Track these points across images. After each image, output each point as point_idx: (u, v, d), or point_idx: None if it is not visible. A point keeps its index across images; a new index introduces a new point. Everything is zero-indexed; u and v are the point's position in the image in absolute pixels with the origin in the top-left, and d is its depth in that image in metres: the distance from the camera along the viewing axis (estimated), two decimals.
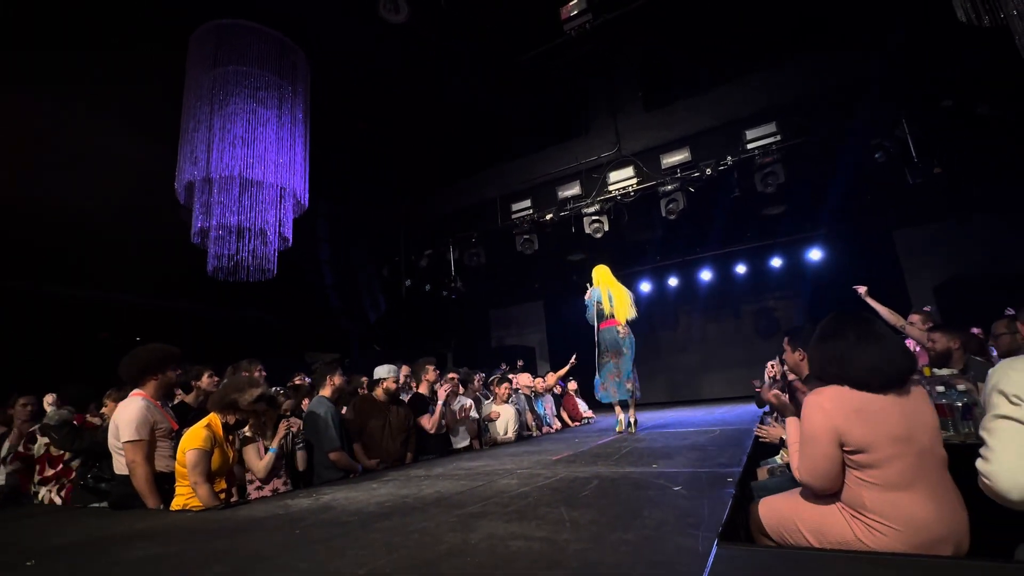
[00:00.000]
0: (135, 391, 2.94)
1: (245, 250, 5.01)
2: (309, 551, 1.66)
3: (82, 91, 5.56)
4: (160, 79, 5.35)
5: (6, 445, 3.95)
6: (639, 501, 1.99)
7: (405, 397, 4.73)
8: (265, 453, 3.10)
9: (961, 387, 2.47)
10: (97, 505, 3.11)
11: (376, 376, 4.25)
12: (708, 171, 6.73)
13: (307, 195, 5.60)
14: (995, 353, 3.50)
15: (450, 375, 4.87)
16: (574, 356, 6.89)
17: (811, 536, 1.67)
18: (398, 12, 5.68)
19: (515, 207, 8.18)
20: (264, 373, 3.95)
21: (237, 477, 2.99)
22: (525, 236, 8.02)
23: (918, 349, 4.02)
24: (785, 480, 2.20)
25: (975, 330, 3.89)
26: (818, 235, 9.73)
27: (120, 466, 2.85)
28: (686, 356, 12.19)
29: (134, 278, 7.49)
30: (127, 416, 2.77)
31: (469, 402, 5.00)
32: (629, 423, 4.89)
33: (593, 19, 5.82)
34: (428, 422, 4.45)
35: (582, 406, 7.68)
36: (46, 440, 3.57)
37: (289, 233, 5.41)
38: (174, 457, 2.73)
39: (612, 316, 4.86)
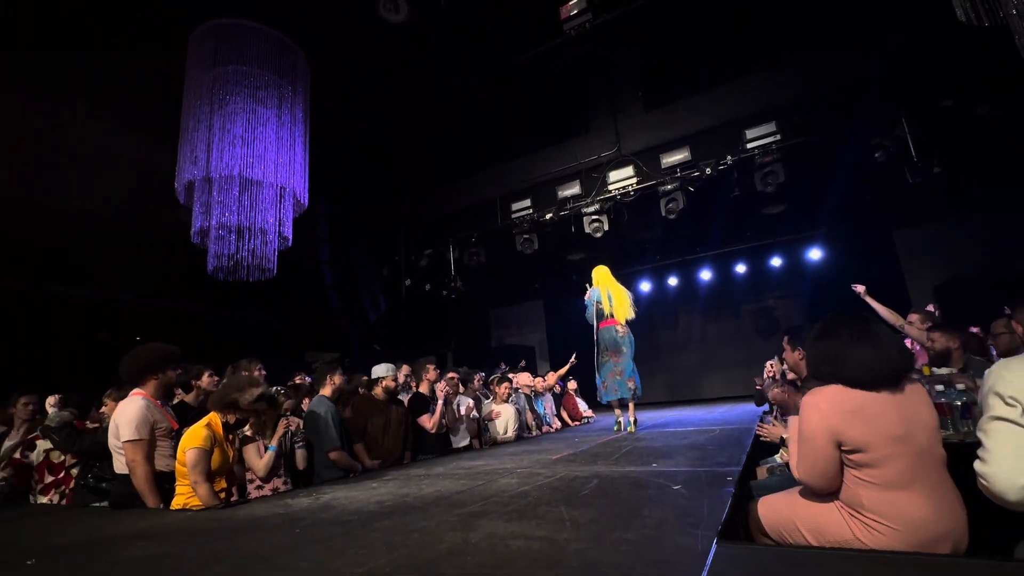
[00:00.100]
0: (135, 390, 2.94)
1: (245, 249, 5.01)
2: (309, 550, 1.66)
3: (82, 91, 5.55)
4: (160, 79, 5.35)
5: (4, 447, 3.93)
6: (639, 500, 1.99)
7: (405, 396, 4.74)
8: (265, 452, 3.10)
9: (960, 386, 2.47)
10: (97, 504, 3.12)
11: (374, 375, 4.25)
12: (708, 170, 6.73)
13: (307, 194, 5.60)
14: (995, 352, 3.51)
15: (450, 374, 4.88)
16: (574, 355, 6.90)
17: (810, 535, 1.67)
18: (398, 11, 5.68)
19: (515, 207, 8.18)
20: (264, 372, 3.95)
21: (237, 476, 3.00)
22: (525, 236, 8.02)
23: (918, 348, 4.03)
24: (785, 479, 2.20)
25: (974, 329, 3.89)
26: (818, 235, 9.73)
27: (120, 465, 2.85)
28: (686, 355, 12.19)
29: (134, 278, 7.49)
30: (127, 415, 2.77)
31: (469, 401, 5.00)
32: (628, 423, 4.91)
33: (593, 18, 5.82)
34: (429, 422, 4.45)
35: (582, 405, 7.68)
36: (46, 447, 3.55)
37: (289, 233, 5.41)
38: (174, 456, 2.73)
39: (611, 316, 4.91)
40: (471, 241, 8.56)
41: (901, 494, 1.50)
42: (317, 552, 1.63)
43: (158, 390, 3.02)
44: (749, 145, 6.54)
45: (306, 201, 5.61)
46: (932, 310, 4.46)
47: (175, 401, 3.58)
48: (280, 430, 3.16)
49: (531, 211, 8.03)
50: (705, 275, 11.16)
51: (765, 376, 5.81)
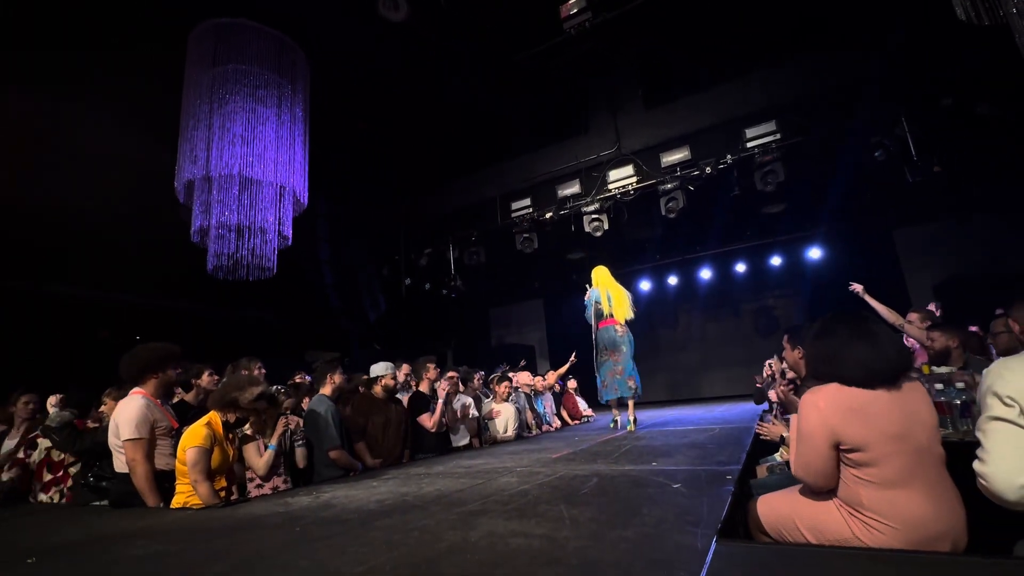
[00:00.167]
0: (135, 389, 2.94)
1: (245, 248, 5.01)
2: (309, 549, 1.66)
3: (82, 90, 5.55)
4: (159, 78, 5.34)
5: (5, 449, 3.94)
6: (638, 499, 1.99)
7: (405, 395, 4.74)
8: (265, 451, 3.10)
9: (960, 384, 2.47)
10: (97, 503, 3.12)
11: (373, 374, 4.25)
12: (708, 169, 6.73)
13: (307, 193, 5.60)
14: (995, 351, 3.51)
15: (450, 373, 4.88)
16: (573, 354, 6.91)
17: (809, 534, 1.67)
18: (397, 10, 5.67)
19: (515, 206, 8.18)
20: (263, 371, 3.95)
21: (237, 475, 3.00)
22: (525, 235, 8.02)
23: (917, 347, 4.03)
24: (784, 478, 2.20)
25: (972, 328, 3.90)
26: (818, 234, 9.73)
27: (120, 464, 2.86)
28: (686, 355, 12.19)
29: (134, 278, 7.49)
30: (127, 414, 2.78)
31: (469, 400, 5.01)
32: (628, 421, 4.92)
33: (593, 17, 5.81)
34: (429, 421, 4.46)
35: (582, 404, 7.69)
36: (47, 445, 3.56)
37: (289, 232, 5.41)
38: (174, 455, 2.73)
39: (611, 316, 4.95)
40: (471, 240, 8.56)
41: (900, 493, 1.51)
42: (317, 551, 1.63)
43: (158, 389, 3.02)
44: (749, 144, 6.54)
45: (306, 200, 5.61)
46: (934, 310, 4.46)
47: (175, 400, 3.58)
48: (280, 429, 3.16)
49: (531, 210, 8.03)
50: (705, 274, 11.16)
51: (765, 375, 5.81)
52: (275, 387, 3.57)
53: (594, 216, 7.44)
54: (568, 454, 3.57)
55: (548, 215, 7.88)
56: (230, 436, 2.86)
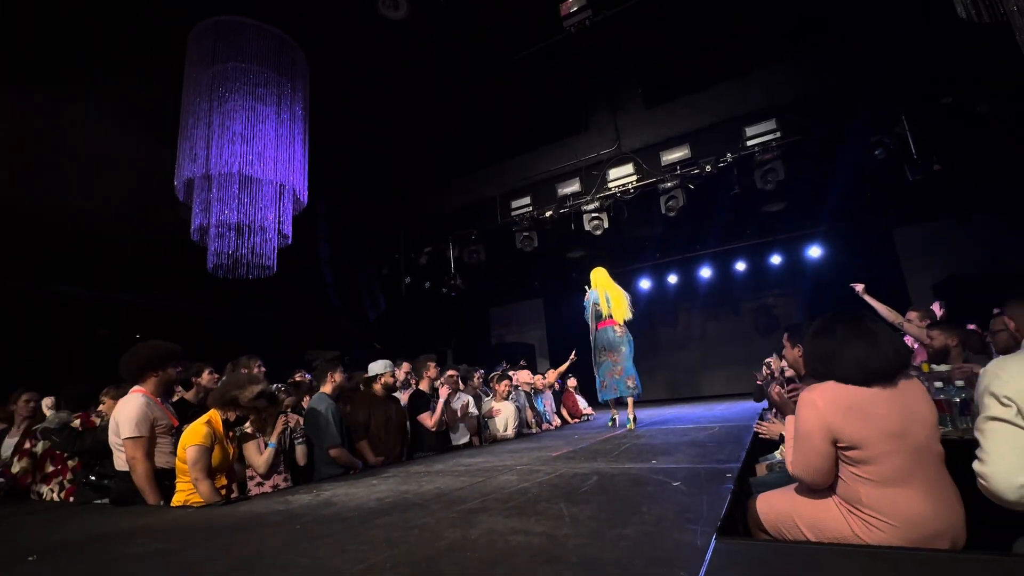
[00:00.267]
0: (135, 388, 2.94)
1: (244, 247, 5.01)
2: (310, 547, 1.67)
3: (81, 90, 5.55)
4: (159, 77, 5.34)
5: (8, 443, 3.95)
6: (638, 497, 2.00)
7: (405, 394, 4.74)
8: (265, 449, 3.11)
9: (959, 382, 2.48)
10: (98, 502, 3.12)
11: (372, 372, 4.25)
12: (708, 168, 6.73)
13: (306, 192, 5.60)
14: (994, 350, 3.51)
15: (449, 372, 4.88)
16: (573, 352, 6.91)
17: (808, 531, 1.68)
18: (397, 8, 5.66)
19: (515, 204, 8.18)
20: (263, 369, 3.96)
21: (237, 473, 3.00)
22: (525, 233, 8.02)
23: (917, 346, 4.03)
24: (784, 476, 2.21)
25: (970, 326, 3.90)
26: (818, 232, 9.73)
27: (121, 462, 2.86)
28: (686, 353, 12.20)
29: (134, 277, 7.50)
30: (127, 413, 2.78)
31: (468, 399, 5.01)
32: (627, 420, 4.93)
33: (593, 15, 5.80)
34: (429, 420, 4.46)
35: (582, 403, 7.69)
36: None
37: (289, 231, 5.41)
38: (174, 453, 2.74)
39: (610, 317, 4.98)
40: (471, 239, 8.56)
41: (899, 491, 1.51)
42: (318, 548, 1.63)
43: (158, 387, 3.02)
44: (749, 143, 6.54)
45: (305, 199, 5.61)
46: (937, 310, 4.46)
47: (175, 398, 3.59)
48: (279, 427, 3.17)
49: (531, 209, 8.02)
50: (705, 273, 11.16)
51: (764, 373, 5.82)
52: (275, 385, 3.57)
53: (594, 215, 7.43)
54: (568, 452, 3.57)
55: (548, 214, 7.87)
56: (230, 434, 2.86)
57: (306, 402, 4.02)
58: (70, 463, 3.52)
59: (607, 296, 5.04)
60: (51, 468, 3.56)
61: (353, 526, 1.88)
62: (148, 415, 2.82)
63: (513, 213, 8.17)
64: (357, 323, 9.76)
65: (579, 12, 5.77)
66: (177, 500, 2.65)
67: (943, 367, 3.13)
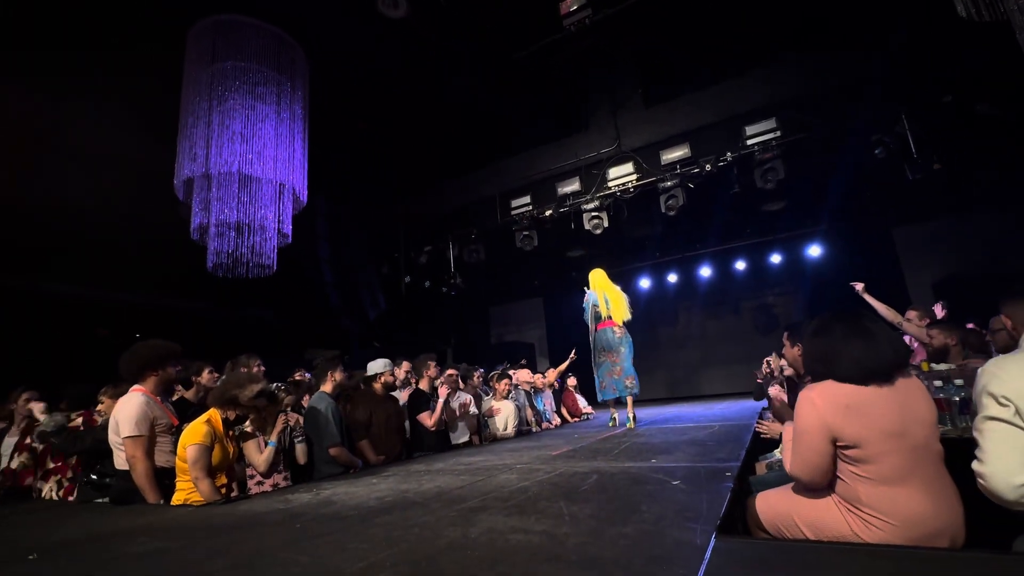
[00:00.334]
0: (135, 387, 2.94)
1: (244, 246, 5.01)
2: (310, 545, 1.67)
3: (82, 90, 5.54)
4: (159, 77, 5.34)
5: (8, 441, 3.95)
6: (638, 495, 2.00)
7: (405, 392, 4.74)
8: (265, 447, 3.11)
9: (959, 381, 2.48)
10: (99, 500, 3.12)
11: (371, 371, 4.25)
12: (708, 167, 6.72)
13: (306, 191, 5.60)
14: (994, 349, 3.51)
15: (449, 372, 4.88)
16: (573, 351, 6.91)
17: (808, 530, 1.68)
18: (397, 7, 5.66)
19: (514, 203, 8.17)
20: (263, 368, 3.96)
21: (237, 472, 3.00)
22: (524, 232, 8.01)
23: (916, 345, 4.04)
24: (783, 475, 2.21)
25: (970, 325, 3.91)
26: (818, 231, 9.73)
27: (121, 461, 2.86)
28: (685, 352, 12.21)
29: (134, 277, 7.50)
30: (127, 412, 2.78)
31: (468, 397, 5.01)
32: (627, 419, 4.94)
33: (593, 14, 5.80)
34: (429, 419, 4.46)
35: (581, 402, 7.69)
36: None
37: (288, 229, 5.41)
38: (174, 452, 2.74)
39: (609, 318, 4.99)
40: (471, 238, 8.56)
41: (898, 489, 1.51)
42: (318, 547, 1.64)
43: (158, 386, 3.02)
44: (749, 141, 6.53)
45: (305, 198, 5.61)
46: (939, 311, 4.46)
47: (175, 397, 3.59)
48: (279, 425, 3.17)
49: (531, 208, 8.02)
50: (705, 272, 11.16)
51: (764, 371, 5.83)
52: (275, 384, 3.57)
53: (594, 214, 7.43)
54: (568, 451, 3.58)
55: (548, 213, 7.87)
56: (230, 433, 2.86)
57: (306, 401, 4.02)
58: (70, 461, 3.52)
59: (606, 297, 5.06)
60: (52, 465, 3.57)
61: (353, 525, 1.89)
62: (148, 414, 2.82)
63: (513, 212, 8.16)
64: (357, 322, 9.76)
65: (579, 11, 5.76)
66: (177, 499, 2.65)
67: (943, 366, 3.13)
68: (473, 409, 5.04)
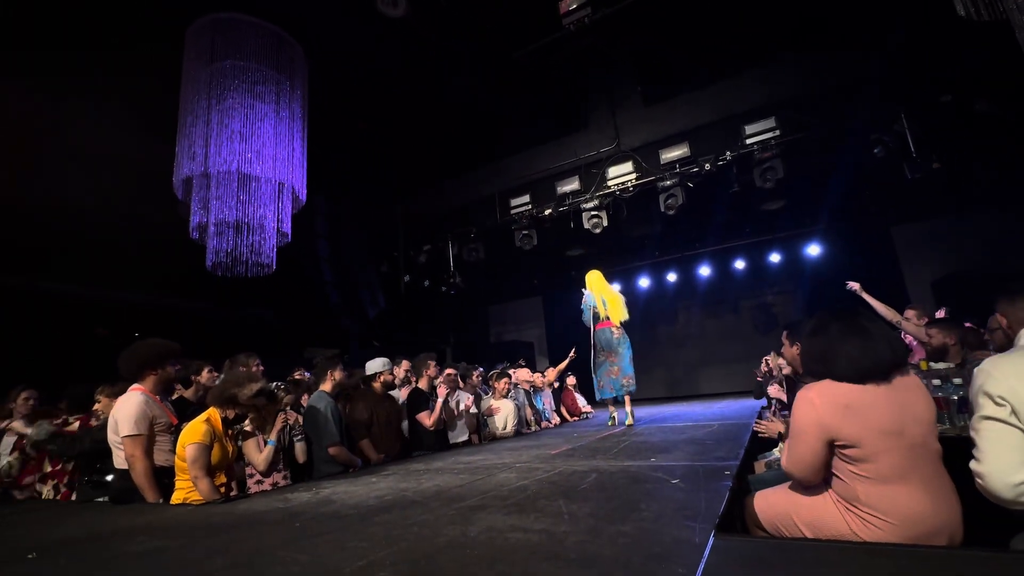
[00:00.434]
0: (134, 386, 2.94)
1: (244, 245, 5.01)
2: (309, 544, 1.67)
3: (81, 89, 5.53)
4: (158, 76, 5.33)
5: (7, 440, 3.95)
6: (637, 494, 2.00)
7: (404, 391, 4.75)
8: (264, 446, 3.11)
9: (957, 380, 2.48)
10: (98, 500, 3.12)
11: (370, 370, 4.25)
12: (707, 166, 6.72)
13: (305, 190, 5.59)
14: (992, 348, 3.52)
15: (448, 371, 4.89)
16: (573, 350, 6.91)
17: (806, 529, 1.68)
18: (396, 6, 5.65)
19: (514, 202, 8.17)
20: (262, 367, 3.95)
21: (236, 471, 3.00)
22: (524, 231, 8.01)
23: (915, 344, 4.04)
24: (782, 474, 2.21)
25: (968, 324, 3.91)
26: (817, 230, 9.73)
27: (120, 461, 2.86)
28: (685, 351, 12.21)
29: (133, 276, 7.49)
30: (126, 411, 2.78)
31: (469, 397, 5.01)
32: (626, 416, 4.95)
33: (592, 13, 5.79)
34: (428, 419, 4.46)
35: (581, 401, 7.70)
36: None
37: (288, 228, 5.41)
38: (174, 451, 2.74)
39: (607, 318, 5.01)
40: (470, 237, 8.56)
41: (896, 488, 1.51)
42: (317, 546, 1.64)
43: (157, 385, 3.02)
44: (748, 141, 6.54)
45: (304, 197, 5.60)
46: (941, 316, 4.45)
47: (174, 396, 3.59)
48: (278, 424, 3.17)
49: (530, 207, 8.02)
50: (704, 271, 11.16)
51: (763, 370, 5.84)
52: (274, 383, 3.57)
53: (593, 213, 7.43)
54: (567, 450, 3.58)
55: (547, 212, 7.87)
56: (229, 432, 2.86)
57: (305, 400, 4.02)
58: (68, 465, 3.51)
59: (603, 299, 5.09)
60: (49, 468, 3.56)
61: (352, 524, 1.89)
62: (147, 413, 2.82)
63: (512, 211, 8.16)
64: (356, 321, 9.76)
65: (578, 10, 5.76)
66: (176, 498, 2.65)
67: (941, 365, 3.14)
68: (472, 408, 5.04)
